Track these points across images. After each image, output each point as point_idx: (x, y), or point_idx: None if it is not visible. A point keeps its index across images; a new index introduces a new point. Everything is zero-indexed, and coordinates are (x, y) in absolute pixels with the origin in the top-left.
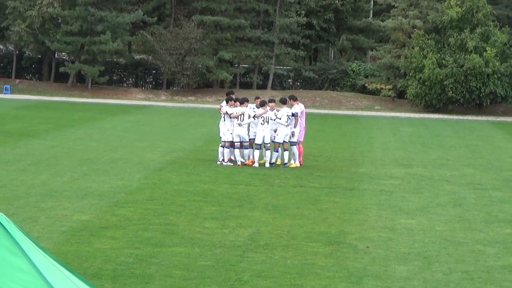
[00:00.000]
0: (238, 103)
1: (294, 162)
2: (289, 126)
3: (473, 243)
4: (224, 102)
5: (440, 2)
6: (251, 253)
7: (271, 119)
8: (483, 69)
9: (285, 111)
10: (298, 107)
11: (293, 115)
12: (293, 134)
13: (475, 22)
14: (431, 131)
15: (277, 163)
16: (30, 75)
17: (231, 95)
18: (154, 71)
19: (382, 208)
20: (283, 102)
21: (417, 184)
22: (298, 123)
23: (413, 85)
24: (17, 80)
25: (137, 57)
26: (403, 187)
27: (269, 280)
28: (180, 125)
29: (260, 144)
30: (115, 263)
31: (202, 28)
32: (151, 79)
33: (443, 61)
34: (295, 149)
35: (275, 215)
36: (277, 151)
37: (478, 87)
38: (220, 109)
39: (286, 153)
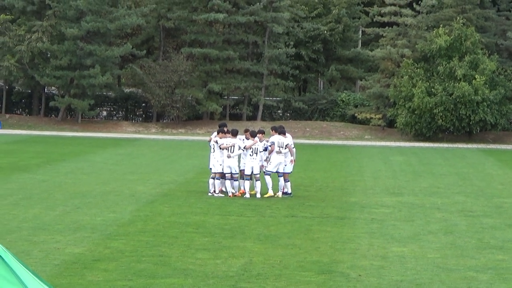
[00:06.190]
0: (229, 134)
1: (268, 191)
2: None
3: (465, 270)
4: (215, 133)
5: (429, 31)
6: (243, 283)
7: (259, 151)
8: (473, 97)
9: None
10: (276, 138)
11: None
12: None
13: (464, 50)
14: (421, 159)
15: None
16: (20, 110)
17: (223, 127)
18: (144, 104)
19: (373, 237)
20: (283, 133)
21: (408, 212)
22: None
23: (403, 114)
24: (7, 115)
25: (127, 90)
26: (394, 215)
27: None
28: (171, 157)
29: (250, 175)
30: None
31: (191, 61)
32: (141, 112)
33: (432, 89)
34: (268, 178)
35: (267, 245)
36: (288, 181)
37: (467, 115)
38: (210, 140)
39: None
